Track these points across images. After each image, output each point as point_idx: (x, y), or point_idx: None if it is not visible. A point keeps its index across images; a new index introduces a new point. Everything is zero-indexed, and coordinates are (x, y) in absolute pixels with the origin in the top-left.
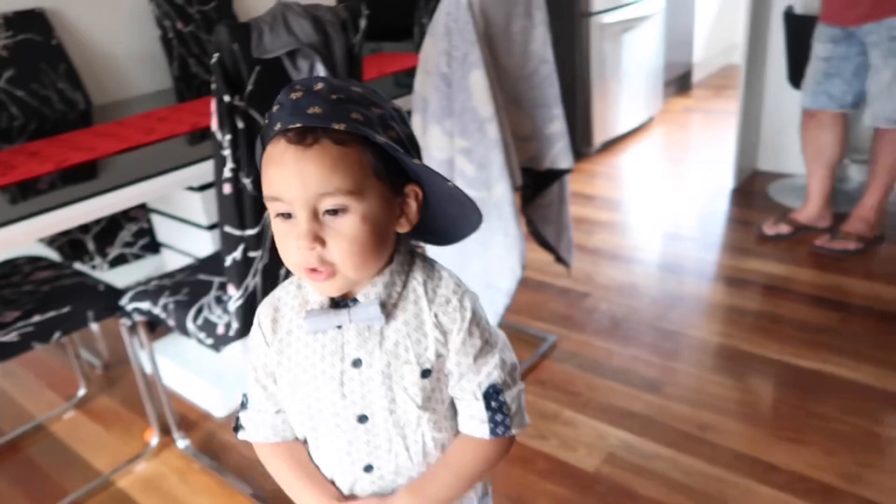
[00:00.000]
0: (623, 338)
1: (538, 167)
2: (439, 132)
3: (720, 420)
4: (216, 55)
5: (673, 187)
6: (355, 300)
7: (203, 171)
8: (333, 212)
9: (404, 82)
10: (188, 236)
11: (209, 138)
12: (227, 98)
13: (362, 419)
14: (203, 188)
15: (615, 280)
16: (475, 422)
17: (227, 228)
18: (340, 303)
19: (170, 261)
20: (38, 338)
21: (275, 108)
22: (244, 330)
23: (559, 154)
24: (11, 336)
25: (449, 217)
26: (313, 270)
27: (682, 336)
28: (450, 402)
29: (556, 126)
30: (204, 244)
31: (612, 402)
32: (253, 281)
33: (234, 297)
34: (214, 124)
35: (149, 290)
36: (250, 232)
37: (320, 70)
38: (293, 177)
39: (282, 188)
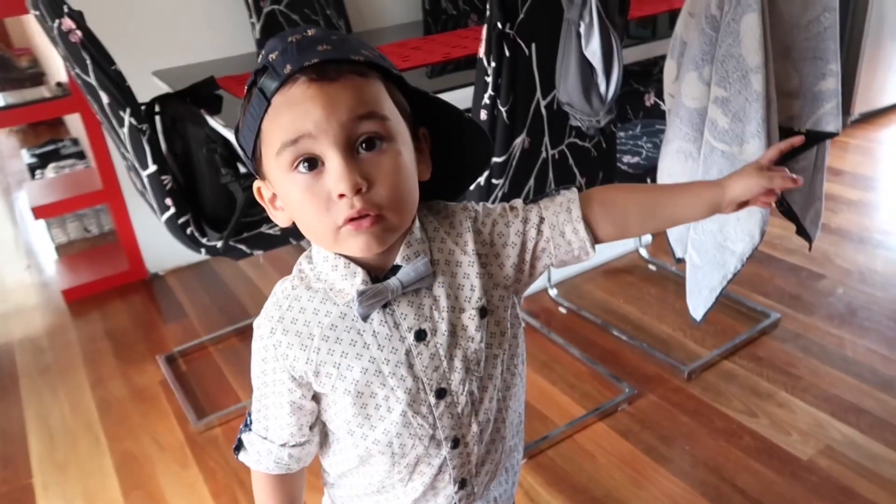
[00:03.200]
0: (859, 328)
1: (797, 127)
2: (695, 78)
3: None
4: None
5: None
6: (393, 270)
7: (453, 99)
8: (370, 144)
9: (638, 33)
10: None
11: (459, 69)
12: (499, 25)
13: (441, 393)
14: None
15: (857, 264)
16: (564, 204)
17: None
18: (378, 279)
19: None
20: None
21: (271, 55)
22: None
23: (826, 115)
24: (275, 229)
25: (456, 161)
26: (356, 220)
27: None
28: (516, 346)
29: (830, 83)
30: None
31: (837, 393)
32: None
33: None
34: (482, 50)
35: None
36: (497, 159)
37: (593, 2)
38: (322, 106)
39: (306, 122)
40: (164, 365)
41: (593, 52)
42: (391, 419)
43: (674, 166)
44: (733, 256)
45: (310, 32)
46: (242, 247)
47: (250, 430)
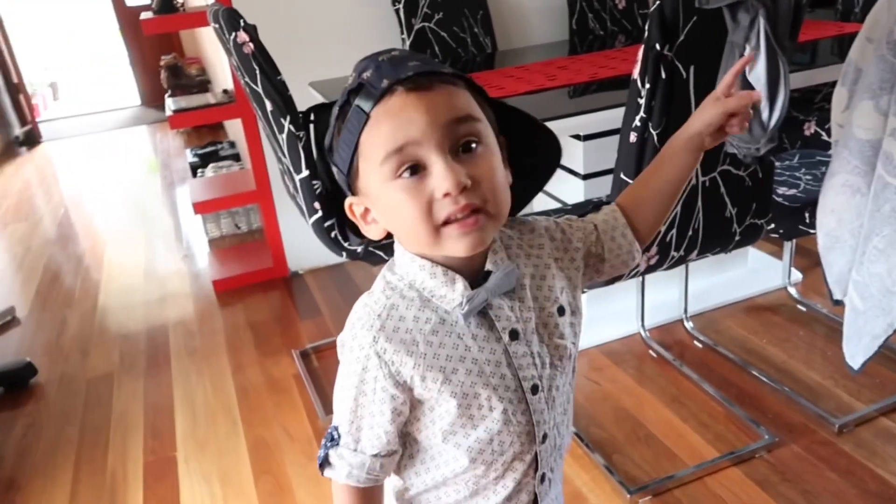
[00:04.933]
0: None
1: None
2: (871, 108)
3: None
4: (657, 2)
5: None
6: (485, 276)
7: (593, 120)
8: (468, 147)
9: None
10: (562, 182)
11: (603, 89)
12: (657, 47)
13: (535, 389)
14: (588, 138)
15: None
16: (609, 215)
17: (623, 175)
18: (471, 284)
19: (535, 201)
20: None
21: (365, 73)
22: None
23: None
24: None
25: (527, 170)
26: (462, 220)
27: None
28: (577, 347)
29: None
30: (575, 191)
31: None
32: None
33: None
34: (636, 71)
35: None
36: None
37: (762, 24)
38: (423, 112)
39: (410, 129)
40: (298, 359)
41: (757, 77)
42: (493, 417)
43: (838, 200)
44: None
45: (395, 52)
46: (381, 253)
47: (338, 444)
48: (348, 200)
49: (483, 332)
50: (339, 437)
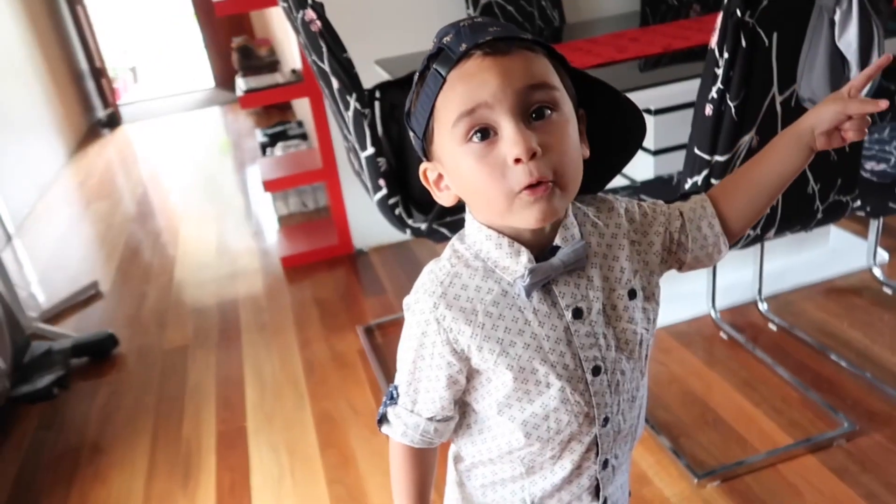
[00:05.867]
0: None
1: None
2: None
3: None
4: None
5: None
6: (552, 251)
7: (665, 94)
8: (541, 114)
9: None
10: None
11: (677, 61)
12: (738, 12)
13: (596, 371)
14: (658, 112)
15: None
16: (698, 205)
17: (697, 151)
18: (538, 258)
19: None
20: None
21: (446, 38)
22: None
23: None
24: None
25: (608, 147)
26: (533, 187)
27: None
28: (655, 329)
29: None
30: (646, 168)
31: None
32: None
33: None
34: (714, 40)
35: None
36: (720, 158)
37: None
38: (497, 75)
39: (482, 91)
40: (363, 335)
41: (848, 42)
42: (549, 394)
43: None
44: None
45: (478, 19)
46: (444, 230)
47: (396, 403)
48: (423, 166)
49: (545, 307)
50: (398, 396)
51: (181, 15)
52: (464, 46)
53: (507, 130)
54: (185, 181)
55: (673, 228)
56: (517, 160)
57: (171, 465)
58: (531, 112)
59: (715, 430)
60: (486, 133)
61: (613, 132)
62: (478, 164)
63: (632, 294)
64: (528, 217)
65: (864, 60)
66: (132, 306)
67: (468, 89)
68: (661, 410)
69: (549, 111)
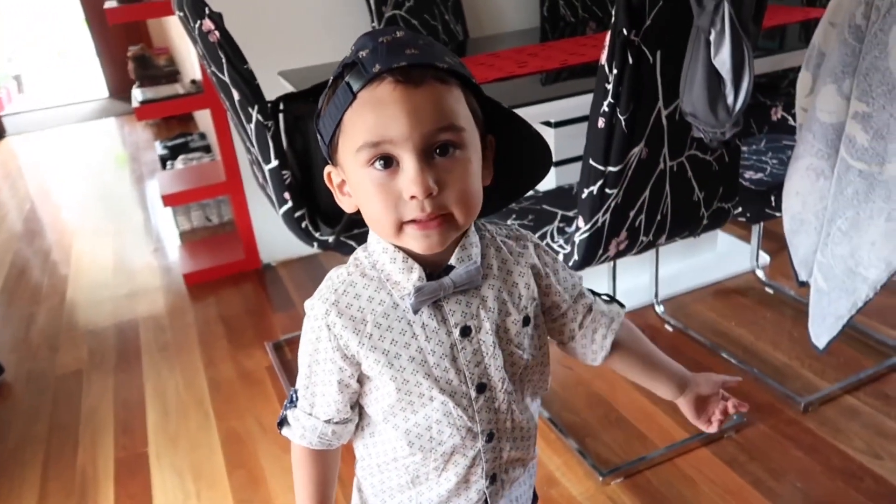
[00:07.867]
0: None
1: None
2: (833, 92)
3: None
4: None
5: None
6: (446, 269)
7: (563, 107)
8: (444, 151)
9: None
10: None
11: (576, 76)
12: (624, 31)
13: (481, 388)
14: (558, 125)
15: None
16: (610, 313)
17: (592, 161)
18: (432, 275)
19: None
20: None
21: (361, 53)
22: (584, 262)
23: None
24: None
25: (515, 171)
26: (424, 222)
27: None
28: (544, 358)
29: None
30: (547, 178)
31: None
32: (603, 217)
33: (582, 229)
34: (604, 57)
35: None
36: (612, 169)
37: (726, 8)
38: (407, 114)
39: (390, 128)
40: (272, 351)
41: (723, 61)
42: (432, 406)
43: (803, 184)
44: (865, 283)
45: (399, 34)
46: (352, 243)
47: (295, 406)
48: (328, 169)
49: (434, 323)
50: (297, 399)
51: (71, 22)
52: (377, 67)
53: (408, 168)
54: (78, 196)
55: (573, 310)
56: (413, 197)
57: (65, 497)
58: (435, 148)
59: (618, 429)
60: (388, 162)
61: (523, 157)
62: (376, 191)
63: (526, 321)
64: (415, 246)
65: (737, 76)
66: (19, 329)
67: (375, 121)
68: (568, 412)
69: (454, 149)
